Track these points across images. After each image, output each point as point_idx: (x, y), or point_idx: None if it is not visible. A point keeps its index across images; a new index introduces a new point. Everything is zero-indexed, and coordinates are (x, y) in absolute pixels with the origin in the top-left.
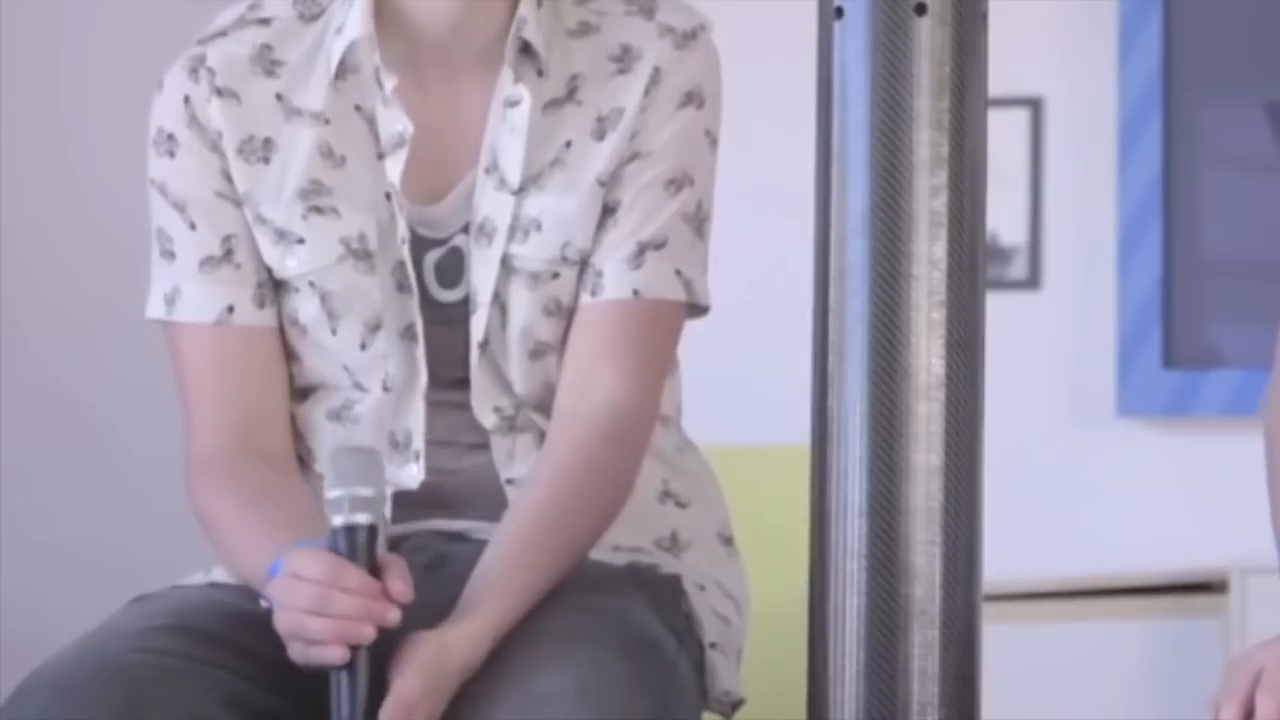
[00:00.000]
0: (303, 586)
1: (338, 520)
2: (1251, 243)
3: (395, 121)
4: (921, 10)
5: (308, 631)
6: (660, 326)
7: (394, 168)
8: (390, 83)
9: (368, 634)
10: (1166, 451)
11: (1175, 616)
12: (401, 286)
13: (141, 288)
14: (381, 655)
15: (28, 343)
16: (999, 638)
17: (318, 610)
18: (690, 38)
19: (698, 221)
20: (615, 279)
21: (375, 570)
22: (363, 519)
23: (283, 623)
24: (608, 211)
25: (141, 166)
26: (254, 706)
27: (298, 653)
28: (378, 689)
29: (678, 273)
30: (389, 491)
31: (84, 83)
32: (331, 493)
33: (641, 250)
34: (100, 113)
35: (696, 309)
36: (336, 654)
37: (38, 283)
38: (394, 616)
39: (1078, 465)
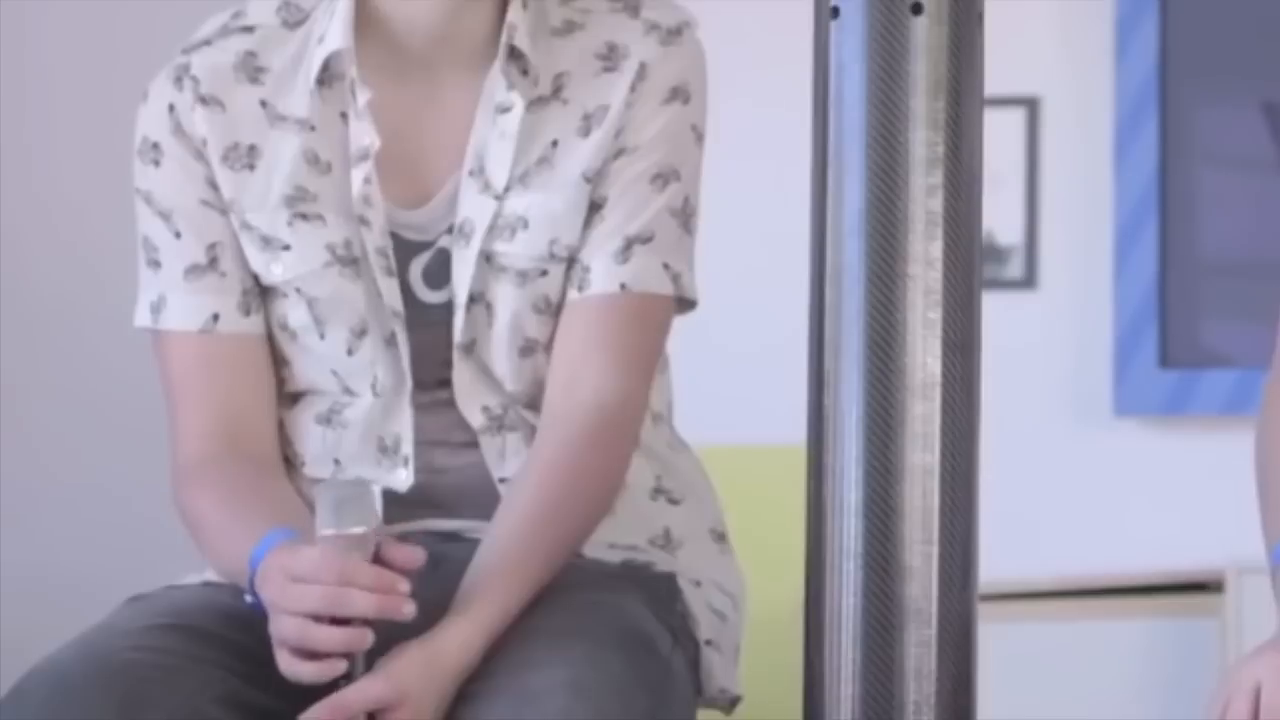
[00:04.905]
0: (308, 590)
1: None
2: (1248, 242)
3: (364, 135)
4: (917, 10)
5: (314, 642)
6: (648, 320)
7: (357, 180)
8: (364, 96)
9: (369, 640)
10: (1163, 451)
11: (1172, 616)
12: (385, 293)
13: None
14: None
15: (27, 343)
16: (995, 637)
17: (331, 611)
18: (675, 34)
19: (684, 216)
20: (602, 274)
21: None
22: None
23: (286, 629)
24: (594, 208)
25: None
26: (250, 704)
27: (287, 663)
28: None
29: (665, 266)
30: (377, 490)
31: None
32: (323, 531)
33: (628, 245)
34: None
35: (684, 303)
36: (339, 668)
37: (38, 283)
38: (409, 610)
39: (1074, 465)
